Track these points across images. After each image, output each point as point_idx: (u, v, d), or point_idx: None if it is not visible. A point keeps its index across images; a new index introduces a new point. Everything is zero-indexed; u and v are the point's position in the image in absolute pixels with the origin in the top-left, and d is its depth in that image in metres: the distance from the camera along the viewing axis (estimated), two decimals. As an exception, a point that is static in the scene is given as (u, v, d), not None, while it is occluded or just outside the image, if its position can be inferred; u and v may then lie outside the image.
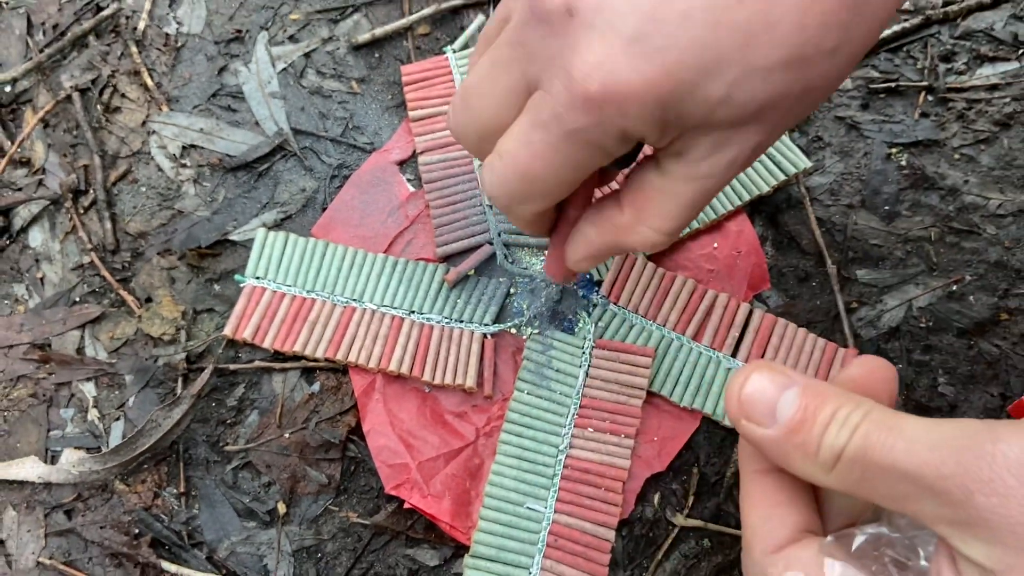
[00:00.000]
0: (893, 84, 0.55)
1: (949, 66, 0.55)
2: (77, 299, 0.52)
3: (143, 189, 0.54)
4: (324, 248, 0.51)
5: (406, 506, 0.45)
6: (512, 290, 0.51)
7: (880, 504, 0.23)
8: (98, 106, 0.57)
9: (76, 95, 0.56)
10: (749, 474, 0.27)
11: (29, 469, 0.47)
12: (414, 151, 0.54)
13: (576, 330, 0.49)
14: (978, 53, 0.56)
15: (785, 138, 0.53)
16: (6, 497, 0.47)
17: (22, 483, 0.47)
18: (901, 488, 0.21)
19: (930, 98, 0.55)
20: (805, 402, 0.24)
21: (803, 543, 0.25)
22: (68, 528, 0.46)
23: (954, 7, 0.56)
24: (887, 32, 0.56)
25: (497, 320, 0.50)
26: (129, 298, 0.51)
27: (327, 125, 0.56)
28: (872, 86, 0.55)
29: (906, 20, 0.56)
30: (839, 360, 0.48)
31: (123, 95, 0.57)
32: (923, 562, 0.23)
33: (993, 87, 0.55)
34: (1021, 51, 0.55)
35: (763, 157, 0.53)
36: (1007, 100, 0.54)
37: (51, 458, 0.48)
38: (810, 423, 0.23)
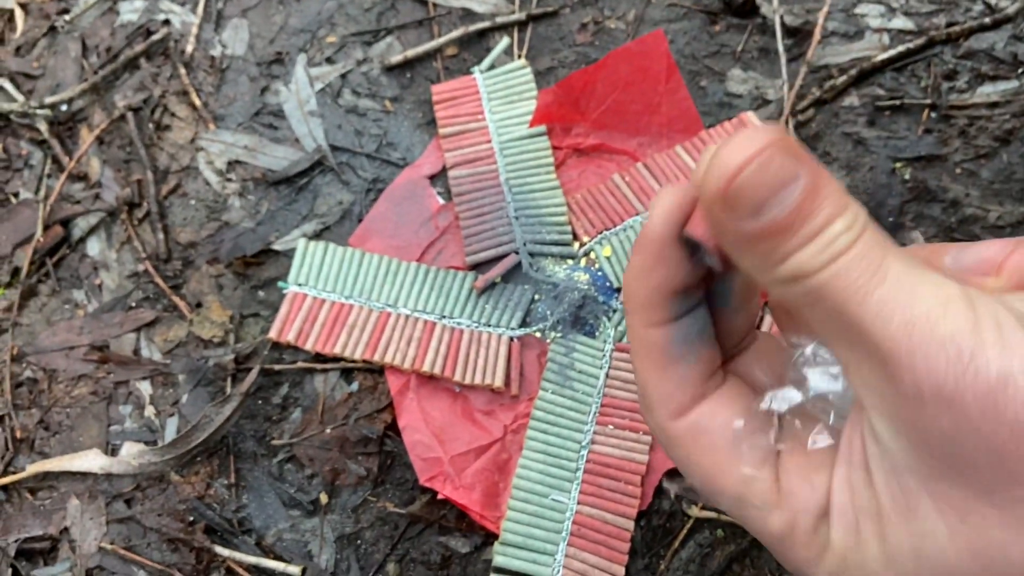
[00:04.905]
0: (898, 102, 0.58)
1: (952, 84, 0.58)
2: (133, 304, 0.56)
3: (192, 202, 0.58)
4: (361, 257, 0.55)
5: (439, 497, 0.49)
6: (537, 296, 0.54)
7: (818, 332, 0.21)
8: (150, 124, 0.61)
9: (129, 114, 0.60)
10: (640, 329, 0.23)
11: (92, 461, 0.51)
12: (444, 166, 0.58)
13: (597, 334, 0.53)
14: (979, 72, 0.58)
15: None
16: (70, 487, 0.51)
17: (85, 474, 0.51)
18: (853, 338, 0.19)
19: (933, 115, 0.58)
20: (800, 204, 0.19)
21: (706, 403, 0.23)
22: (128, 516, 0.50)
23: (956, 28, 0.59)
24: (892, 52, 0.59)
25: (523, 324, 0.53)
26: (181, 303, 0.55)
27: (362, 142, 0.59)
28: (878, 103, 0.58)
29: (910, 41, 0.59)
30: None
31: (173, 114, 0.61)
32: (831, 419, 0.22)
33: (994, 104, 0.57)
34: (1020, 70, 0.58)
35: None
36: (1007, 117, 0.57)
37: (112, 451, 0.52)
38: (792, 233, 0.19)
